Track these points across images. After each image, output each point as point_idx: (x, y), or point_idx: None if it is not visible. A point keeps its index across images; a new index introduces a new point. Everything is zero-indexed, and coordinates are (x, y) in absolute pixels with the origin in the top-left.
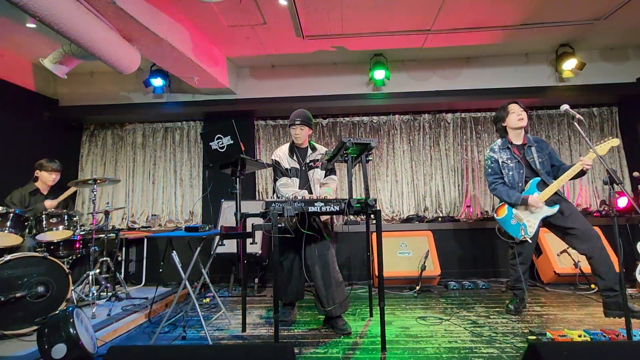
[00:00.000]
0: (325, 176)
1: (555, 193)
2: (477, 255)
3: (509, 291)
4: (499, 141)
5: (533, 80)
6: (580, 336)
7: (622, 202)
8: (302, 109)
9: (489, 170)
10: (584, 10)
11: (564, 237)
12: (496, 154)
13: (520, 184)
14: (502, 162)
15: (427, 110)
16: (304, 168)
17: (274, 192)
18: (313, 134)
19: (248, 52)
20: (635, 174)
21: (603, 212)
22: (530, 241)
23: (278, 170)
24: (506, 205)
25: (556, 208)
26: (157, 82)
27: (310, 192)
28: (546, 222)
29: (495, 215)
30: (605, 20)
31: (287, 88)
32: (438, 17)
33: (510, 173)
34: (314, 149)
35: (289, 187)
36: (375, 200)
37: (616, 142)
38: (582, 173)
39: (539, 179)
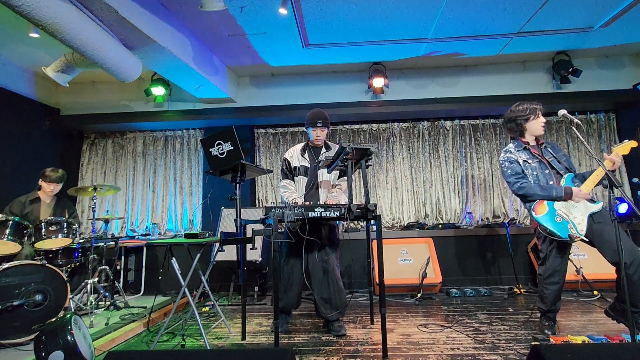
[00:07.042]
0: (340, 177)
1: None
2: (478, 262)
3: (542, 317)
4: (511, 144)
5: (530, 87)
6: (584, 342)
7: (623, 208)
8: (319, 109)
9: (508, 171)
10: (577, 19)
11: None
12: (514, 154)
13: (551, 183)
14: (524, 161)
15: (426, 118)
16: (315, 166)
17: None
18: None
19: (248, 61)
20: (635, 179)
21: None
22: (586, 239)
23: (284, 171)
24: (546, 201)
25: (600, 204)
26: (158, 90)
27: (317, 193)
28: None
29: (533, 213)
30: (599, 30)
31: (287, 96)
32: (436, 25)
33: (535, 173)
34: (327, 147)
35: (288, 192)
36: (375, 205)
37: (634, 143)
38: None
39: (572, 174)
